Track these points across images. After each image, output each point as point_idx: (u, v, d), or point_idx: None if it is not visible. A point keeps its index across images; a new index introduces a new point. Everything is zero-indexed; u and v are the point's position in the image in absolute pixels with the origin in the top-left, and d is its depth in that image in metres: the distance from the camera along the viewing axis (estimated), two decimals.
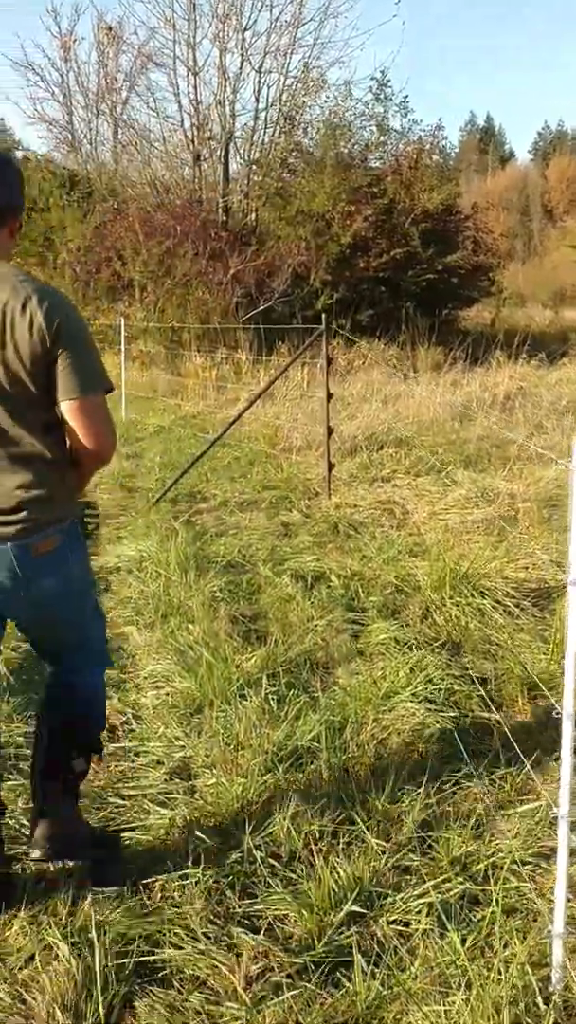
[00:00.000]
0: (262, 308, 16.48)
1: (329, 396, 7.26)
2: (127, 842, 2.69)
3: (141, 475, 8.20)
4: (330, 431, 7.23)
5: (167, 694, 3.62)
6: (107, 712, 2.77)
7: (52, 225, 19.27)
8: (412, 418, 10.05)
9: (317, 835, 2.65)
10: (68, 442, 2.32)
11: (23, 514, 2.21)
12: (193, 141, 19.33)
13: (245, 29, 18.41)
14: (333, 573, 5.10)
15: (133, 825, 2.76)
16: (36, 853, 2.41)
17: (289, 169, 19.63)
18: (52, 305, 2.14)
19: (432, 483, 7.26)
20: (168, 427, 11.19)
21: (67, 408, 2.22)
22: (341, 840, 2.65)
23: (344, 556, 5.49)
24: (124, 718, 3.47)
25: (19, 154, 26.42)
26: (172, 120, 19.69)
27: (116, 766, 3.11)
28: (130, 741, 3.29)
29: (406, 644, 4.03)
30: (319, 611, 4.44)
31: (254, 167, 19.26)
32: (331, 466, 7.19)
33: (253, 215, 18.84)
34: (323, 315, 7.53)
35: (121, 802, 2.89)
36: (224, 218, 18.41)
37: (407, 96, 30.06)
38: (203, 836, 2.65)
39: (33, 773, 2.52)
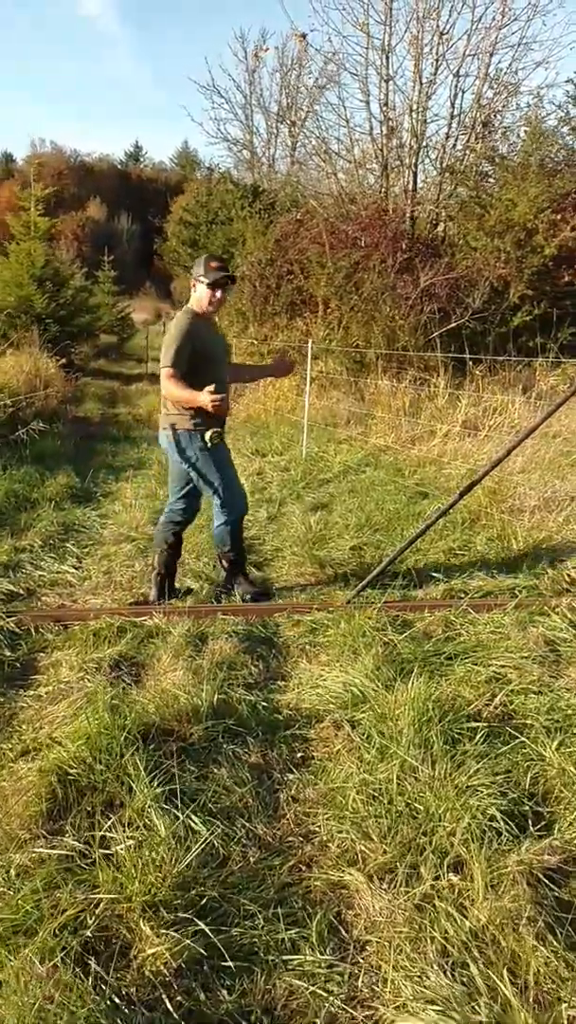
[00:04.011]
0: (454, 325, 14.66)
1: None
2: None
3: (332, 539, 6.47)
4: None
5: None
6: None
7: (232, 237, 18.06)
8: None
9: None
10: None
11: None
12: (382, 149, 17.88)
13: (443, 32, 16.87)
14: None
15: None
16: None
17: (484, 176, 17.83)
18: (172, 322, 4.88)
19: None
20: (356, 466, 9.49)
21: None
22: None
23: None
24: None
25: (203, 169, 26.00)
26: (360, 128, 18.47)
27: None
28: None
29: None
30: None
31: (446, 175, 17.55)
32: None
33: (443, 225, 17.12)
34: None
35: None
36: (411, 229, 16.75)
37: None
38: None
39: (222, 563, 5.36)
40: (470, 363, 13.25)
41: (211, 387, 4.51)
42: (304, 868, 2.71)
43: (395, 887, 2.58)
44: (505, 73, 17.48)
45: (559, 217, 15.23)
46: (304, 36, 20.60)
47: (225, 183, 21.87)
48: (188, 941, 2.27)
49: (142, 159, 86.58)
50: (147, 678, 3.98)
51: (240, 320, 17.75)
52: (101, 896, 2.40)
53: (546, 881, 2.56)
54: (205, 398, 4.53)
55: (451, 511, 6.90)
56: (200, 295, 4.84)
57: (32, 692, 3.88)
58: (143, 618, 4.67)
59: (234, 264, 17.91)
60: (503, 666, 4.14)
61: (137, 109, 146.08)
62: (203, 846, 2.68)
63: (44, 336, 14.96)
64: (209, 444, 4.80)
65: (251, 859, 2.71)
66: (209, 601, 5.15)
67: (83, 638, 4.37)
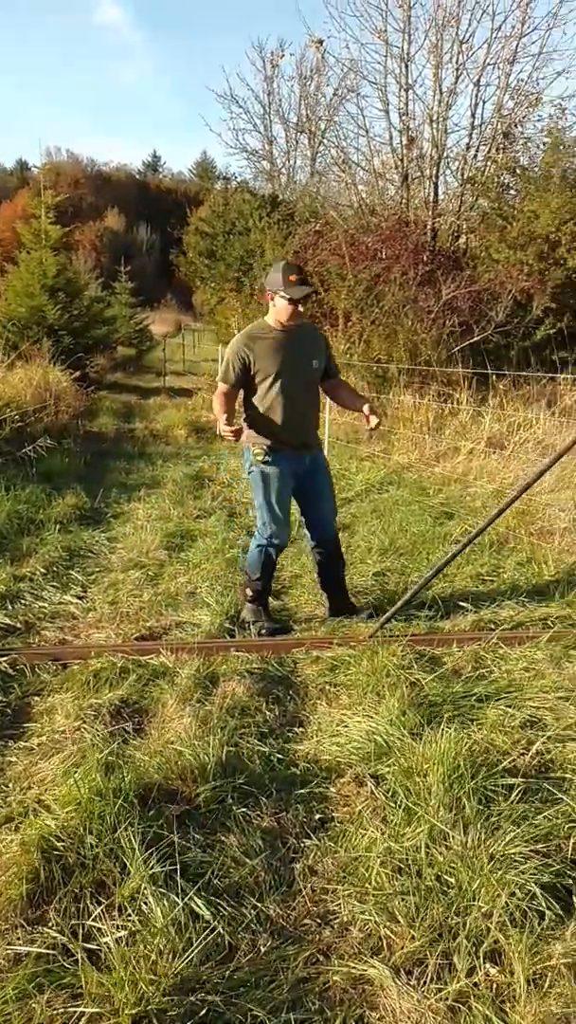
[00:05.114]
0: (477, 339, 14.34)
1: None
2: None
3: (354, 564, 6.12)
4: None
5: None
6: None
7: (250, 248, 17.80)
8: None
9: None
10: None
11: None
12: (402, 160, 17.62)
13: (463, 41, 16.64)
14: None
15: None
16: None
17: (506, 188, 17.55)
18: None
19: None
20: (379, 484, 9.15)
21: None
22: None
23: None
24: None
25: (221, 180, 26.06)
26: (379, 139, 18.26)
27: None
28: None
29: None
30: None
31: (467, 187, 17.27)
32: None
33: (464, 238, 16.83)
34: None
35: None
36: (432, 241, 16.45)
37: None
38: None
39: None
40: (493, 378, 12.92)
41: (225, 418, 4.44)
42: (322, 958, 2.37)
43: (425, 983, 2.25)
44: (526, 83, 17.23)
45: None
46: (321, 42, 20.44)
47: (242, 192, 21.73)
48: None
49: (160, 169, 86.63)
50: (150, 727, 3.64)
51: None
52: (83, 1008, 2.06)
53: None
54: (220, 424, 4.43)
55: (473, 529, 6.56)
56: (279, 308, 4.59)
57: (23, 744, 3.53)
58: (148, 656, 4.35)
59: (252, 275, 17.65)
60: (538, 708, 3.82)
61: (154, 119, 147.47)
62: (207, 935, 2.35)
63: (57, 348, 14.65)
64: (256, 460, 4.65)
65: (261, 948, 2.38)
66: (222, 636, 4.82)
67: (83, 679, 4.03)
